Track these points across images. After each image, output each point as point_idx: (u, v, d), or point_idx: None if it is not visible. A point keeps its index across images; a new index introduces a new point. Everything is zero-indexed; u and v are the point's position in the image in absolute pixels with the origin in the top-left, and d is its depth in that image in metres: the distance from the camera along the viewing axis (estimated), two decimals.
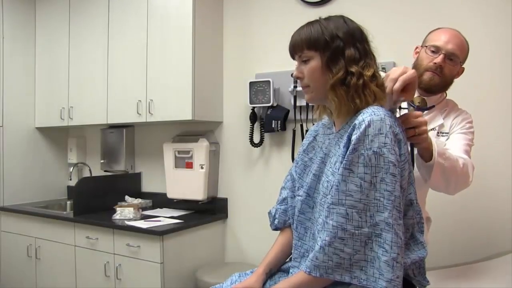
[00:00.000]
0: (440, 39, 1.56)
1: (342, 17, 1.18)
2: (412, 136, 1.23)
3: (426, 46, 1.61)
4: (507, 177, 2.07)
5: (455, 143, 1.55)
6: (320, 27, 1.15)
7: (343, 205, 1.05)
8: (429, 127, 1.60)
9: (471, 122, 1.63)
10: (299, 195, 1.25)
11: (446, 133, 1.64)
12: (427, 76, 1.57)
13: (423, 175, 1.40)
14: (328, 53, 1.14)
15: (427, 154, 1.32)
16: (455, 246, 2.13)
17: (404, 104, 1.57)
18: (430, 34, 1.65)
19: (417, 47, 1.67)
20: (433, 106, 1.61)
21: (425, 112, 1.61)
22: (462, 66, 1.63)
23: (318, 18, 1.19)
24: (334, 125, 1.26)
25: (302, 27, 1.19)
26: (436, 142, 1.38)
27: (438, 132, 1.64)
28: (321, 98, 1.20)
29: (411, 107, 1.60)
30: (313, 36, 1.15)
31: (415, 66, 1.63)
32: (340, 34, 1.14)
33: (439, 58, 1.54)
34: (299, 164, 1.33)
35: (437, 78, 1.56)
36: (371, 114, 1.07)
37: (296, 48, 1.18)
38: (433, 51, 1.56)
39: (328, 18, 1.18)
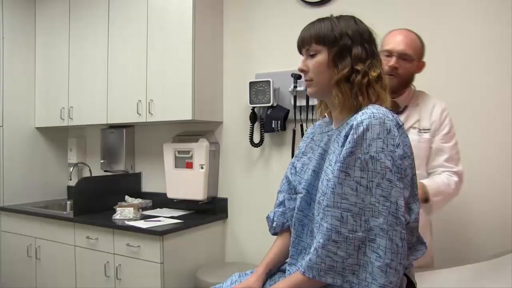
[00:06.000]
0: (392, 42, 1.68)
1: (353, 17, 1.19)
2: None
3: (381, 52, 1.67)
4: (507, 176, 2.07)
5: (444, 156, 1.68)
6: (331, 24, 1.16)
7: (339, 208, 1.05)
8: (407, 125, 1.71)
9: (447, 113, 1.72)
10: (299, 193, 1.25)
11: (428, 129, 1.70)
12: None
13: (425, 211, 1.59)
14: (335, 49, 1.14)
15: (423, 198, 1.53)
16: (455, 246, 2.12)
17: None
18: (384, 37, 1.73)
19: None
20: (406, 107, 1.73)
21: (399, 113, 1.72)
22: (422, 61, 1.72)
23: (329, 16, 1.20)
24: (333, 123, 1.25)
25: (312, 22, 1.20)
26: (429, 182, 1.59)
27: (419, 129, 1.71)
28: (323, 93, 1.20)
29: None
30: (322, 31, 1.16)
31: None
32: (350, 32, 1.15)
33: (392, 61, 1.65)
34: (296, 165, 1.32)
35: (394, 80, 1.66)
36: (370, 116, 1.06)
37: (305, 42, 1.19)
38: (386, 55, 1.67)
39: (339, 17, 1.19)
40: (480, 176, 2.01)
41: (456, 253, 2.09)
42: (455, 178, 1.65)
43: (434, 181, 1.63)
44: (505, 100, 2.08)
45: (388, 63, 1.65)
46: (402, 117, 1.70)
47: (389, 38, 1.70)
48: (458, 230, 2.16)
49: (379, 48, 1.22)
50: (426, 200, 1.57)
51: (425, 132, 1.70)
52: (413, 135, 1.68)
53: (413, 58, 1.67)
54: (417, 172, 1.63)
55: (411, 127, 1.70)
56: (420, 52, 1.70)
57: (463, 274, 1.69)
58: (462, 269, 1.75)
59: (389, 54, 1.66)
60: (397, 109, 1.71)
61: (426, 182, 1.60)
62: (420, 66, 1.72)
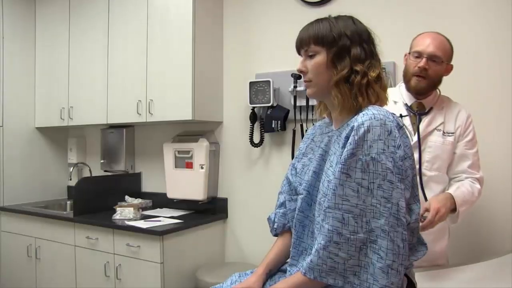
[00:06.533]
0: (422, 44, 1.68)
1: (351, 17, 1.19)
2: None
3: (410, 54, 1.72)
4: (507, 177, 2.07)
5: (468, 162, 1.73)
6: (329, 24, 1.16)
7: (340, 210, 1.05)
8: (431, 127, 1.72)
9: (471, 120, 1.76)
10: (300, 194, 1.25)
11: (452, 133, 1.72)
12: (414, 81, 1.70)
13: (451, 220, 1.69)
14: (334, 49, 1.14)
15: (451, 208, 1.61)
16: (455, 246, 2.12)
17: (404, 112, 1.68)
18: (414, 40, 1.75)
19: (405, 54, 1.76)
20: (431, 108, 1.73)
21: (425, 114, 1.73)
22: (450, 64, 1.72)
23: (327, 16, 1.19)
24: (333, 123, 1.25)
25: (311, 23, 1.19)
26: (456, 192, 1.64)
27: (443, 132, 1.72)
28: (322, 94, 1.20)
29: (411, 113, 1.74)
30: (321, 32, 1.15)
31: (404, 73, 1.76)
32: (348, 32, 1.14)
33: (422, 62, 1.66)
34: (296, 166, 1.32)
35: (423, 81, 1.68)
36: (371, 118, 1.06)
37: (303, 43, 1.18)
38: (416, 57, 1.69)
39: (338, 17, 1.18)
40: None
41: (455, 253, 2.09)
42: (478, 186, 1.71)
43: (460, 190, 1.67)
44: (506, 100, 2.08)
45: (418, 64, 1.66)
46: (427, 119, 1.72)
47: (419, 40, 1.72)
48: (458, 230, 2.15)
49: (378, 49, 1.21)
50: (453, 210, 1.62)
51: (449, 136, 1.72)
52: (437, 137, 1.71)
53: (442, 60, 1.67)
54: (437, 173, 1.71)
55: (435, 129, 1.72)
56: (449, 55, 1.71)
57: (463, 274, 1.69)
58: (462, 269, 1.75)
59: (419, 55, 1.68)
60: (423, 110, 1.73)
61: (453, 192, 1.64)
62: (448, 69, 1.72)
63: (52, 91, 3.33)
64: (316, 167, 1.22)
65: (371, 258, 1.04)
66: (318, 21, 1.18)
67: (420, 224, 1.44)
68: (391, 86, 2.17)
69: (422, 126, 1.71)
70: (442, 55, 1.66)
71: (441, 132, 1.72)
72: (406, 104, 1.75)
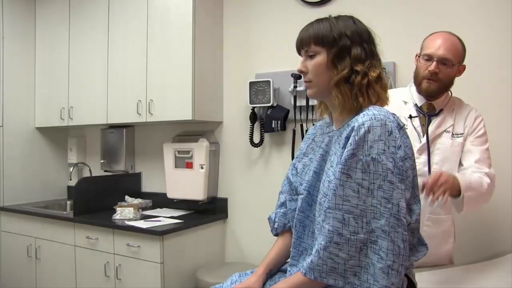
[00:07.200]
0: (432, 46, 1.64)
1: (351, 17, 1.19)
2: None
3: (420, 56, 1.69)
4: (508, 177, 2.07)
5: (475, 157, 1.65)
6: (329, 24, 1.16)
7: (340, 210, 1.05)
8: (441, 129, 1.69)
9: (481, 120, 1.71)
10: (300, 194, 1.25)
11: (461, 134, 1.70)
12: (424, 84, 1.67)
13: (456, 208, 1.58)
14: (334, 50, 1.14)
15: (454, 191, 1.46)
16: (459, 246, 2.12)
17: (414, 112, 1.66)
18: (425, 41, 1.71)
19: (416, 55, 1.73)
20: (442, 110, 1.70)
21: (435, 116, 1.71)
22: (463, 64, 1.68)
23: (328, 16, 1.19)
24: (333, 123, 1.25)
25: (311, 23, 1.19)
26: (461, 177, 1.52)
27: (452, 134, 1.69)
28: (323, 94, 1.20)
29: (421, 115, 1.72)
30: (321, 32, 1.15)
31: (415, 75, 1.72)
32: (348, 32, 1.14)
33: (432, 66, 1.63)
34: (297, 166, 1.32)
35: (433, 84, 1.65)
36: (371, 118, 1.06)
37: (304, 43, 1.18)
38: (426, 59, 1.65)
39: (338, 17, 1.18)
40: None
41: (455, 253, 2.08)
42: (487, 180, 1.59)
43: (466, 176, 1.57)
44: (507, 100, 2.08)
45: (428, 67, 1.63)
46: (436, 120, 1.69)
47: (429, 42, 1.67)
48: (458, 230, 2.15)
49: (379, 49, 1.20)
50: (457, 195, 1.49)
51: (458, 137, 1.69)
52: (446, 139, 1.68)
53: (453, 63, 1.63)
54: None
55: (445, 131, 1.69)
56: (460, 56, 1.66)
57: (463, 274, 1.70)
58: (462, 269, 1.75)
59: (429, 58, 1.64)
60: (433, 112, 1.71)
61: (457, 175, 1.53)
62: (460, 70, 1.68)
63: (52, 91, 3.33)
64: (317, 167, 1.22)
65: (371, 259, 1.04)
66: (318, 21, 1.18)
67: (423, 194, 1.36)
68: (391, 87, 2.17)
69: (431, 127, 1.68)
70: (452, 58, 1.62)
71: (451, 134, 1.69)
72: (416, 105, 1.73)
